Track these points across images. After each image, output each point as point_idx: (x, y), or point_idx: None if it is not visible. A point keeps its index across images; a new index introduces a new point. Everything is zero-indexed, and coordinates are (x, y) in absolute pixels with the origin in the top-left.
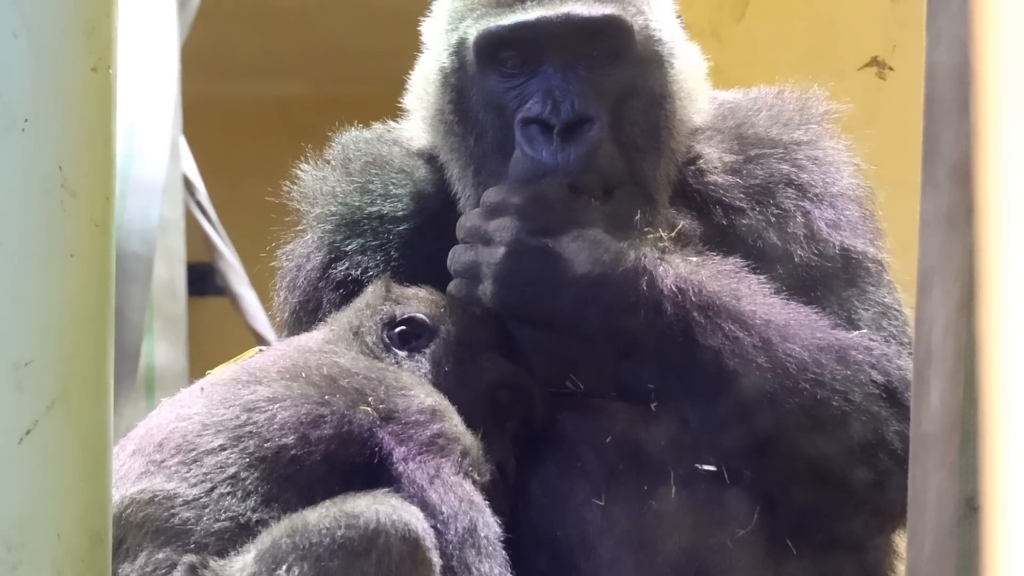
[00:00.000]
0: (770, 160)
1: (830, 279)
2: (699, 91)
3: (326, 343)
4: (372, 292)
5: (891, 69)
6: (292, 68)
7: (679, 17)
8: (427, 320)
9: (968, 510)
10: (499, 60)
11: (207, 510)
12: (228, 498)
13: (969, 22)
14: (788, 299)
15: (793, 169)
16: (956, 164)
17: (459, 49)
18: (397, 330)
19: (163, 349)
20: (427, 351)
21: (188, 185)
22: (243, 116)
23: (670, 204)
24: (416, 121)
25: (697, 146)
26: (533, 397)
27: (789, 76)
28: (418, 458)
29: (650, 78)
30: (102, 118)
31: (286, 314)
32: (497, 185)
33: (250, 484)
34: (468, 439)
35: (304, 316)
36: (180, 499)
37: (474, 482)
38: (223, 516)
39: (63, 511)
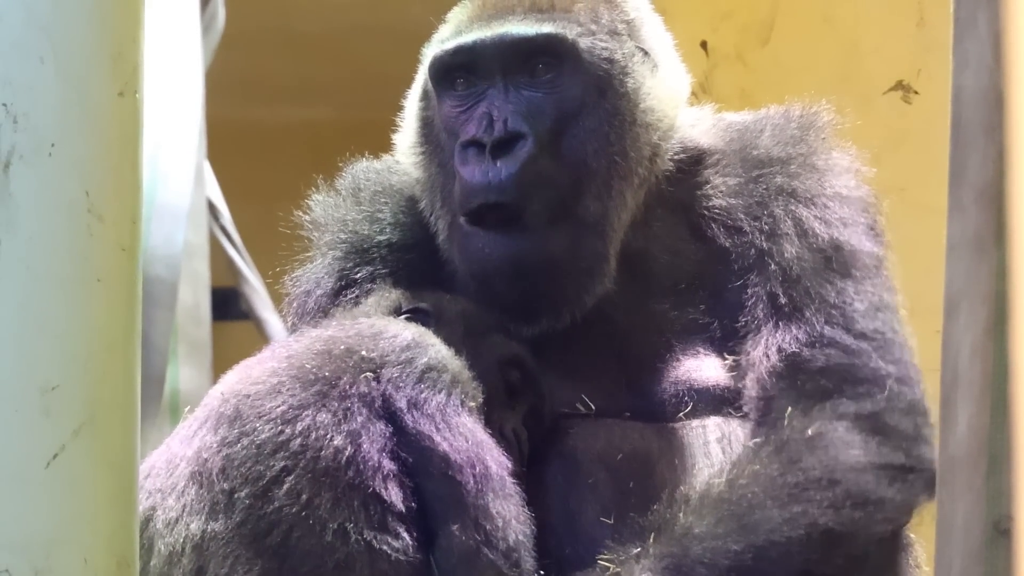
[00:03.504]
0: (768, 177)
1: (822, 270)
2: (675, 117)
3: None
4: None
5: (916, 93)
6: (319, 92)
7: (670, 41)
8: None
9: (995, 534)
10: (452, 85)
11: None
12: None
13: (996, 46)
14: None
15: (787, 180)
16: (983, 188)
17: (426, 77)
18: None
19: (188, 374)
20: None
21: (212, 209)
22: (270, 140)
23: (675, 230)
24: (401, 154)
25: (705, 171)
26: (540, 384)
27: (814, 100)
28: (417, 401)
29: (601, 98)
30: (129, 143)
31: None
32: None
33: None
34: (454, 363)
35: None
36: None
37: (470, 410)
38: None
39: (90, 536)
